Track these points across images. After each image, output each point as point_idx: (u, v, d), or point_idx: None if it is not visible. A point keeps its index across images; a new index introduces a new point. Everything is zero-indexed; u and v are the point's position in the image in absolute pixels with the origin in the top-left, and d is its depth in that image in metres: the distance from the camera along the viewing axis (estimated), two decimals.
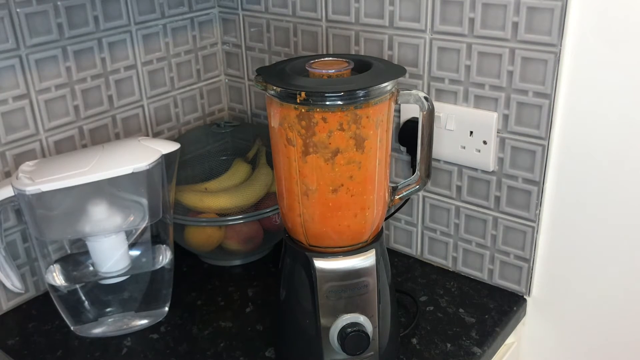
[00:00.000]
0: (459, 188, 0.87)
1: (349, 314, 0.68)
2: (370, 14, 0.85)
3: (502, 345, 0.83)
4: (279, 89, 0.62)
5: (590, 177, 0.76)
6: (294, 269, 0.70)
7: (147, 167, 0.73)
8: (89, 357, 0.78)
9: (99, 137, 0.93)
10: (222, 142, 1.04)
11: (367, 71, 0.65)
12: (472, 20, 0.77)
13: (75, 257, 0.82)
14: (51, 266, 0.80)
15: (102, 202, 0.74)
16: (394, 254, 0.97)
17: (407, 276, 0.92)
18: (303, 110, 0.61)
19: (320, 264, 0.67)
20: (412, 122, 0.86)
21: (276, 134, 0.65)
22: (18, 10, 0.79)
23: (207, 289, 0.91)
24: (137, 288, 0.82)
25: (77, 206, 0.74)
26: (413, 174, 0.74)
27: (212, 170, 0.98)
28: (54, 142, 0.87)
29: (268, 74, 0.64)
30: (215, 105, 1.11)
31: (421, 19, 0.81)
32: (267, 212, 0.89)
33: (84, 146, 0.91)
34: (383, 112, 0.63)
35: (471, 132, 0.82)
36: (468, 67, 0.79)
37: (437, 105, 0.83)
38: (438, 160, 0.87)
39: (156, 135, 1.02)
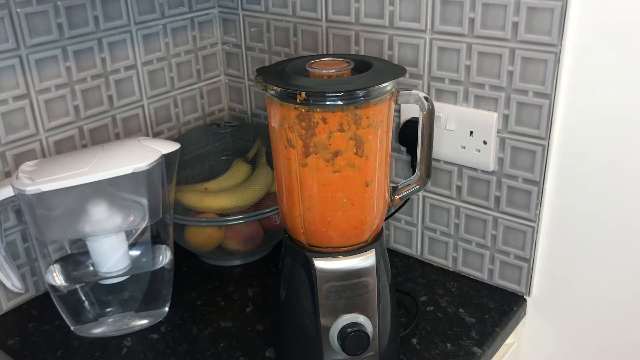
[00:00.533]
0: (459, 188, 0.87)
1: (349, 314, 0.68)
2: (370, 14, 0.85)
3: (502, 345, 0.83)
4: (279, 89, 0.62)
5: (590, 177, 0.76)
6: (294, 269, 0.70)
7: (147, 167, 0.73)
8: (89, 357, 0.78)
9: (99, 137, 0.93)
10: (222, 142, 1.04)
11: (367, 71, 0.65)
12: (472, 20, 0.77)
13: (75, 257, 0.82)
14: (51, 266, 0.80)
15: (102, 202, 0.74)
16: (394, 254, 0.97)
17: (407, 276, 0.92)
18: (303, 110, 0.61)
19: (320, 264, 0.67)
20: (412, 122, 0.86)
21: (276, 134, 0.65)
22: (18, 10, 0.79)
23: (207, 289, 0.91)
24: (137, 288, 0.82)
25: (77, 206, 0.74)
26: (413, 174, 0.74)
27: (212, 170, 0.98)
28: (54, 142, 0.87)
29: (268, 74, 0.64)
30: (215, 105, 1.11)
31: (421, 19, 0.81)
32: (267, 212, 0.89)
33: (84, 146, 0.91)
34: (383, 112, 0.63)
35: (471, 132, 0.82)
36: (468, 67, 0.79)
37: (437, 105, 0.83)
38: (438, 160, 0.87)
39: (156, 135, 1.02)
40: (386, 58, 0.86)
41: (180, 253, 0.95)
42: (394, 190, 0.73)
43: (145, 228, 0.79)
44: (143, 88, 0.98)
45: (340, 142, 0.62)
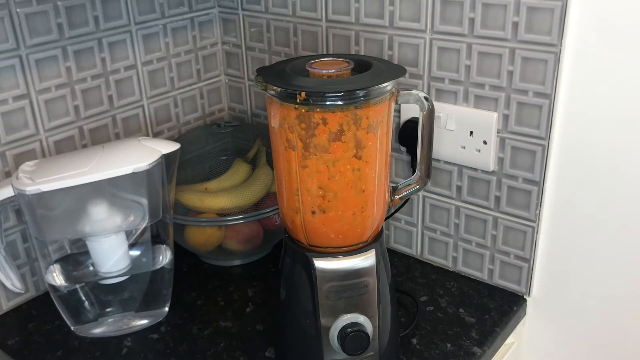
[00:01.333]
0: (459, 188, 0.87)
1: (349, 314, 0.68)
2: (370, 14, 0.85)
3: (502, 345, 0.83)
4: (279, 89, 0.62)
5: (590, 177, 0.76)
6: (294, 269, 0.70)
7: (147, 167, 0.73)
8: (89, 357, 0.78)
9: (99, 137, 0.93)
10: (222, 142, 1.04)
11: (367, 71, 0.65)
12: (472, 20, 0.77)
13: (75, 257, 0.82)
14: (51, 266, 0.80)
15: (102, 202, 0.74)
16: (394, 254, 0.97)
17: (407, 276, 0.92)
18: (303, 110, 0.61)
19: (320, 264, 0.67)
20: (412, 122, 0.86)
21: (276, 135, 0.65)
22: (18, 10, 0.79)
23: (207, 289, 0.91)
24: (137, 288, 0.82)
25: (77, 206, 0.74)
26: (413, 174, 0.74)
27: (212, 170, 0.98)
28: (54, 142, 0.87)
29: (268, 74, 0.64)
30: (215, 105, 1.11)
31: (421, 19, 0.81)
32: (267, 212, 0.89)
33: (84, 146, 0.91)
34: (383, 112, 0.63)
35: (471, 132, 0.82)
36: (468, 67, 0.79)
37: (437, 105, 0.83)
38: (438, 160, 0.87)
39: (156, 135, 1.02)
40: (386, 58, 0.86)
41: (180, 253, 0.95)
42: (394, 190, 0.73)
43: (145, 228, 0.79)
44: (143, 88, 0.98)
45: (340, 143, 0.62)
